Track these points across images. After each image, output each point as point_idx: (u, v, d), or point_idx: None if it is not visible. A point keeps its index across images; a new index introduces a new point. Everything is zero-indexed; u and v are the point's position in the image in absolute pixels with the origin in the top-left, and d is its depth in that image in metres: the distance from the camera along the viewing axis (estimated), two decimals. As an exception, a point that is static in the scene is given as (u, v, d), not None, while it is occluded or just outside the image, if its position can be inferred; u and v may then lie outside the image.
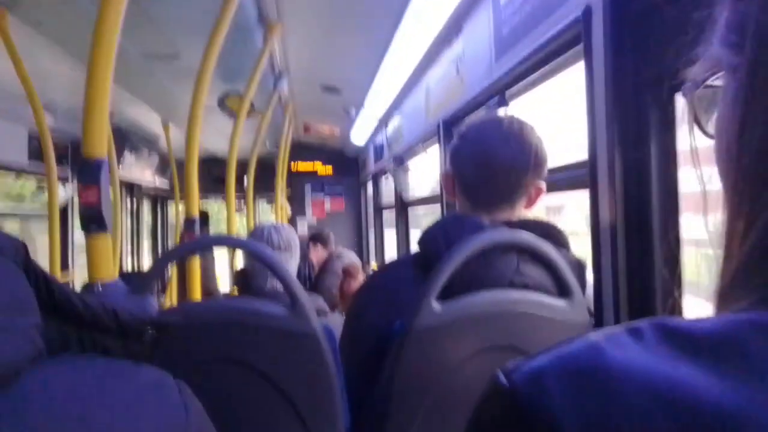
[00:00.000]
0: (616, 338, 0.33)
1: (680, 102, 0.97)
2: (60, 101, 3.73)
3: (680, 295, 0.96)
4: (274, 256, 1.08)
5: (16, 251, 0.31)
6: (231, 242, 1.24)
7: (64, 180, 4.22)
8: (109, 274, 1.10)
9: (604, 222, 1.11)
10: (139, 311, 0.38)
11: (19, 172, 3.96)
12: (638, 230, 1.04)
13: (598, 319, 1.13)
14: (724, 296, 0.35)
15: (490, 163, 1.09)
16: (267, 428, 1.08)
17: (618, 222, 1.06)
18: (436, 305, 0.99)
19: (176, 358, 0.35)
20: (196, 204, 2.01)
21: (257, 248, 1.05)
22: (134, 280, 1.04)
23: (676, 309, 1.01)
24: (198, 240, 1.03)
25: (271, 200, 7.02)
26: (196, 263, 1.99)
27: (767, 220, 0.31)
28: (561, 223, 1.25)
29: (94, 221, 1.07)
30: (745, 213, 0.33)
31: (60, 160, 3.74)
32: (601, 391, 0.30)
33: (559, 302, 1.04)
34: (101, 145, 1.10)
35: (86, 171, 1.08)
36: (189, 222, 1.96)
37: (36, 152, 3.97)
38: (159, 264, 1.00)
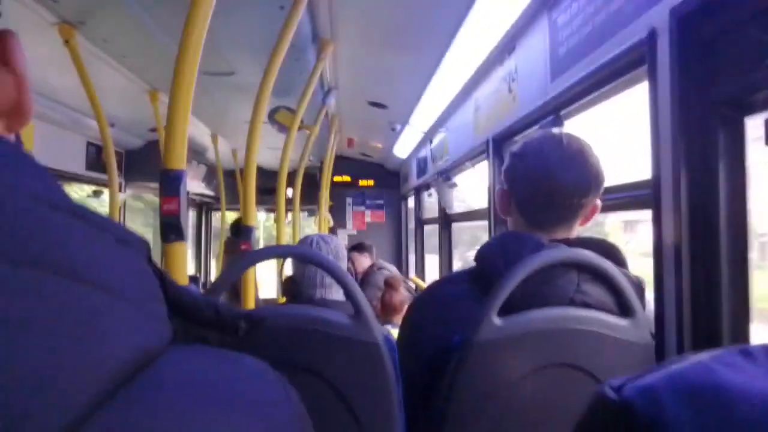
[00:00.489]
0: (727, 359, 0.35)
1: (750, 124, 0.97)
2: (116, 113, 3.90)
3: (748, 320, 0.95)
4: (339, 266, 1.11)
5: (145, 248, 0.34)
6: (299, 253, 1.28)
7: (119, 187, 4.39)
8: (184, 280, 1.17)
9: (667, 242, 1.11)
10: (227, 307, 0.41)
11: (78, 180, 4.13)
12: (704, 252, 1.04)
13: (659, 341, 1.12)
14: None
15: (551, 184, 1.09)
16: (326, 435, 1.11)
17: (683, 243, 1.06)
18: (497, 320, 1.01)
19: (257, 356, 0.38)
20: (254, 213, 2.08)
21: (325, 260, 1.09)
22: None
23: (742, 334, 1.00)
24: (266, 249, 1.07)
25: (312, 212, 7.11)
26: (251, 273, 2.05)
27: None
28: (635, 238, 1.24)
29: (173, 230, 1.14)
30: None
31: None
32: (717, 408, 0.31)
33: (620, 321, 1.04)
34: (181, 158, 1.17)
35: (167, 182, 1.14)
36: (247, 230, 2.03)
37: (92, 161, 4.16)
38: (234, 269, 1.05)
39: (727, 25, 0.98)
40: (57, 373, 0.23)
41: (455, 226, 4.12)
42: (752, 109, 0.94)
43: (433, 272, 5.17)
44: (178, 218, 1.14)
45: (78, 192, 4.52)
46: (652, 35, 1.14)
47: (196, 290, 1.14)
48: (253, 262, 1.15)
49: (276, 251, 1.13)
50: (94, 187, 4.40)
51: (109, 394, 0.25)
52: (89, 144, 4.13)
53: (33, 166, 0.31)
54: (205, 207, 7.37)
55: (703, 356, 0.35)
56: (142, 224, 6.60)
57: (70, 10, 2.41)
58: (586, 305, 1.05)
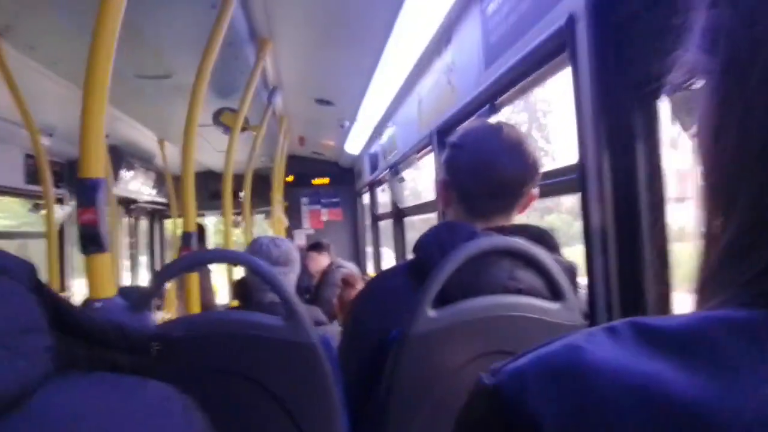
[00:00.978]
0: (593, 337, 0.35)
1: (664, 105, 0.99)
2: (55, 123, 3.75)
3: (670, 295, 0.98)
4: (271, 269, 1.09)
5: (27, 273, 0.32)
6: (229, 257, 1.25)
7: (60, 200, 4.23)
8: (110, 292, 1.12)
9: (594, 225, 1.13)
10: (140, 327, 0.38)
11: (16, 194, 3.97)
12: (628, 232, 1.06)
13: (592, 322, 1.14)
14: (701, 293, 0.37)
15: (492, 174, 1.09)
16: (267, 439, 1.09)
17: (608, 224, 1.08)
18: (431, 312, 1.01)
19: (178, 370, 0.36)
20: (194, 219, 2.03)
21: (254, 262, 1.06)
22: (132, 295, 1.05)
23: (667, 309, 1.03)
24: (195, 255, 1.04)
25: (269, 214, 7.04)
26: (194, 278, 2.00)
27: (740, 221, 0.33)
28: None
29: (93, 242, 1.09)
30: (721, 213, 0.34)
31: (56, 181, 3.75)
32: (577, 389, 0.32)
33: (552, 305, 1.05)
34: (98, 165, 1.12)
35: (84, 192, 1.09)
36: (187, 236, 1.98)
37: (32, 173, 3.99)
38: (157, 279, 1.01)
39: (639, 9, 1.00)
40: None
41: (416, 219, 4.14)
42: (663, 91, 0.95)
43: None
44: (97, 228, 1.09)
45: (20, 207, 4.35)
46: (571, 21, 1.16)
47: (119, 303, 1.10)
48: (185, 268, 1.11)
49: (208, 256, 1.10)
50: (35, 201, 4.23)
51: None
52: (28, 156, 3.97)
53: None
54: (157, 215, 7.20)
55: (574, 335, 0.36)
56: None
57: (-9, 16, 2.31)
58: (519, 291, 1.06)
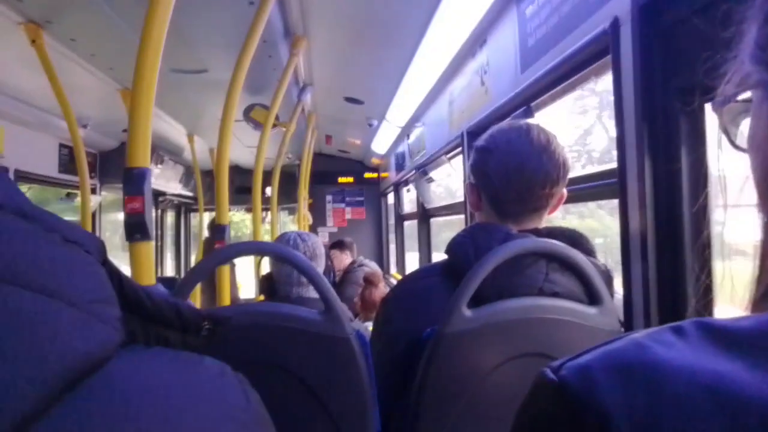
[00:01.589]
0: (659, 336, 0.35)
1: (709, 112, 0.98)
2: (90, 114, 3.83)
3: (712, 304, 0.97)
4: (310, 263, 1.11)
5: (97, 246, 0.33)
6: (269, 249, 1.27)
7: (93, 190, 4.32)
8: (151, 279, 1.15)
9: (634, 230, 1.12)
10: (191, 307, 0.40)
11: (50, 183, 4.06)
12: (669, 239, 1.05)
13: (627, 327, 1.14)
14: (757, 305, 0.37)
15: (522, 176, 1.09)
16: (300, 430, 1.10)
17: (648, 231, 1.07)
18: (467, 311, 1.01)
19: (224, 356, 0.37)
20: (227, 212, 2.06)
21: (293, 256, 1.08)
22: (166, 285, 1.08)
23: (708, 317, 1.02)
24: (236, 246, 1.05)
25: (293, 210, 7.09)
26: (225, 271, 2.04)
27: None
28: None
29: (138, 229, 1.12)
30: None
31: (89, 171, 3.83)
32: (648, 385, 0.32)
33: (589, 309, 1.05)
34: (145, 156, 1.15)
35: (131, 180, 1.12)
36: (220, 229, 2.01)
37: (65, 163, 4.09)
38: (200, 268, 1.03)
39: (686, 13, 0.99)
40: None
41: (438, 219, 4.14)
42: (710, 97, 0.94)
43: (414, 268, 5.18)
44: (143, 217, 1.12)
45: (53, 195, 4.45)
46: (615, 24, 1.15)
47: (163, 291, 1.13)
48: (224, 259, 1.13)
49: (247, 248, 1.12)
50: (68, 190, 4.33)
51: (53, 402, 0.25)
52: (62, 145, 4.06)
53: None
54: (184, 207, 7.30)
55: (638, 334, 0.36)
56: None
57: (36, 9, 2.36)
58: (555, 294, 1.06)
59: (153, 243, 1.17)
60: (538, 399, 0.39)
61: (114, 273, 0.34)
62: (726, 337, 0.33)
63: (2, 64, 2.81)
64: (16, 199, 0.29)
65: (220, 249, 1.16)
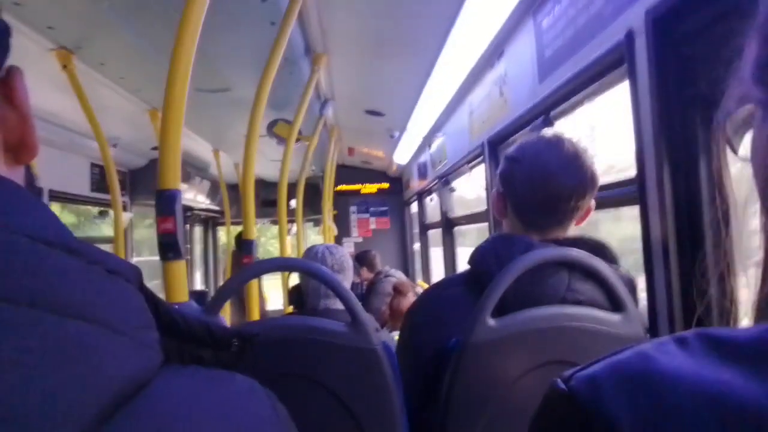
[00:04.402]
0: (663, 347, 0.37)
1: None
2: (118, 134, 3.94)
3: (736, 310, 0.97)
4: (336, 278, 1.14)
5: (136, 275, 0.36)
6: (296, 265, 1.31)
7: (123, 207, 4.43)
8: (184, 297, 1.19)
9: (655, 238, 1.13)
10: (221, 325, 0.42)
11: (83, 201, 4.18)
12: (690, 245, 1.06)
13: (653, 335, 1.14)
14: (761, 311, 0.38)
15: (550, 188, 1.10)
16: (330, 441, 1.13)
17: (670, 237, 1.08)
18: (491, 321, 1.03)
19: (253, 369, 0.40)
20: (253, 226, 2.11)
21: (319, 270, 1.11)
22: (200, 299, 1.11)
23: (733, 324, 1.02)
24: (265, 263, 1.09)
25: (317, 222, 7.15)
26: (254, 285, 2.08)
27: None
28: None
29: (171, 249, 1.17)
30: None
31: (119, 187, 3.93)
32: (651, 394, 0.34)
33: (613, 317, 1.05)
34: (175, 178, 1.20)
35: (163, 202, 1.17)
36: (247, 244, 2.06)
37: (96, 182, 4.21)
38: (229, 286, 1.07)
39: (701, 24, 1.00)
40: (50, 409, 0.25)
41: (460, 228, 4.14)
42: (715, 115, 0.95)
43: (439, 276, 5.18)
44: (175, 236, 1.17)
45: (84, 213, 4.58)
46: (630, 36, 1.17)
47: (195, 307, 1.17)
48: (253, 276, 1.17)
49: (276, 264, 1.16)
50: (99, 208, 4.45)
51: (101, 424, 0.27)
52: (93, 165, 4.18)
53: (29, 204, 0.33)
54: (210, 222, 7.42)
55: (644, 345, 0.38)
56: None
57: (67, 35, 2.46)
58: (578, 303, 1.06)
59: (185, 261, 1.22)
60: (550, 408, 0.41)
61: (150, 298, 0.36)
62: (728, 347, 0.34)
63: (35, 89, 2.87)
64: (62, 235, 0.32)
65: (249, 266, 1.20)
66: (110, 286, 0.33)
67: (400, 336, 1.26)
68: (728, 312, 0.93)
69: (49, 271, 0.30)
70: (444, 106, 3.28)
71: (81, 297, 0.30)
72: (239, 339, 0.43)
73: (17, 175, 0.40)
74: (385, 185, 6.84)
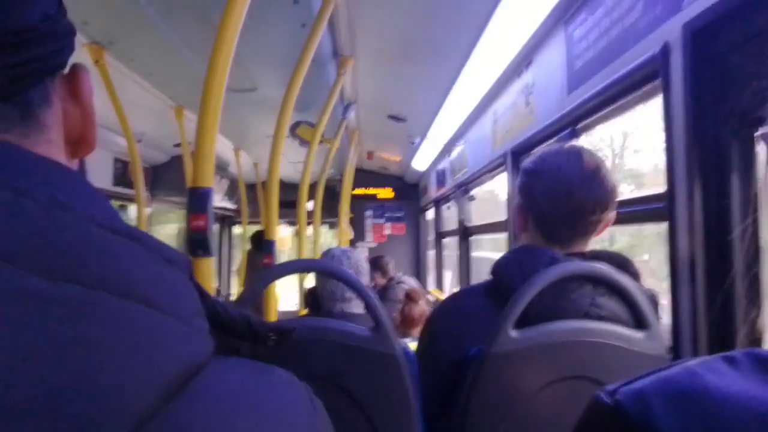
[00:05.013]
0: (712, 365, 0.37)
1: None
2: (143, 130, 3.99)
3: (763, 332, 0.95)
4: (360, 281, 1.14)
5: (187, 265, 0.37)
6: (320, 267, 1.31)
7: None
8: (210, 293, 1.19)
9: (682, 255, 1.11)
10: (259, 320, 0.43)
11: (106, 196, 4.22)
12: (719, 264, 1.04)
13: (675, 355, 1.13)
14: None
15: (571, 202, 1.09)
16: (346, 445, 1.13)
17: (697, 256, 1.07)
18: (513, 332, 1.02)
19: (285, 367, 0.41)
20: (275, 227, 2.13)
21: (346, 274, 1.12)
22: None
23: (757, 345, 1.00)
24: (289, 264, 1.09)
25: (333, 225, 7.16)
26: (274, 286, 2.09)
27: None
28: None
29: (201, 246, 1.18)
30: None
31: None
32: (701, 411, 0.34)
33: (636, 334, 1.04)
34: (209, 176, 1.21)
35: (196, 199, 1.19)
36: (269, 244, 2.07)
37: (119, 176, 4.26)
38: (262, 281, 1.08)
39: (739, 40, 0.99)
40: (120, 386, 0.27)
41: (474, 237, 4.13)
42: (762, 123, 0.95)
43: (451, 283, 5.17)
44: (206, 234, 1.18)
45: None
46: (666, 50, 1.16)
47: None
48: (280, 275, 1.17)
49: (301, 265, 1.16)
50: (120, 202, 4.51)
51: (165, 403, 0.29)
52: (116, 160, 4.24)
53: (94, 193, 0.35)
54: (227, 221, 7.47)
55: (691, 362, 0.38)
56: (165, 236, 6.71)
57: (100, 31, 2.50)
58: (601, 318, 1.05)
59: (213, 259, 1.23)
60: (593, 422, 0.41)
61: (196, 288, 0.37)
62: None
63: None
64: (124, 224, 0.33)
65: (276, 266, 1.21)
66: (168, 274, 0.34)
67: (419, 343, 1.26)
68: (756, 335, 0.92)
69: (116, 256, 0.31)
70: (467, 113, 3.28)
71: (145, 283, 0.31)
72: (277, 333, 0.43)
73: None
74: (402, 191, 6.85)
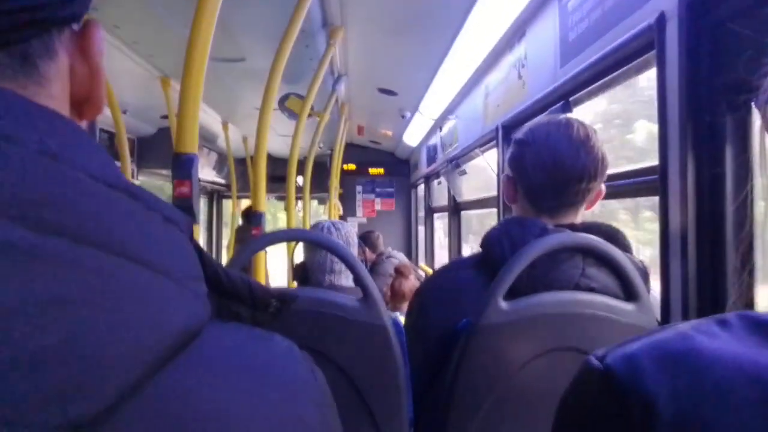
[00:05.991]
0: (705, 327, 0.37)
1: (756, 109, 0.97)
2: (129, 100, 3.92)
3: (753, 304, 0.96)
4: (349, 252, 1.13)
5: (188, 226, 0.36)
6: (310, 237, 1.30)
7: (132, 175, 4.44)
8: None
9: (674, 228, 1.11)
10: (261, 285, 0.43)
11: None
12: (710, 237, 1.04)
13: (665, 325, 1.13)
14: None
15: (560, 171, 1.09)
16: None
17: (689, 229, 1.06)
18: (503, 303, 1.02)
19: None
20: (263, 200, 2.11)
21: (333, 242, 1.11)
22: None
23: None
24: (277, 233, 1.08)
25: (322, 200, 7.15)
26: (262, 257, 2.08)
27: None
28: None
29: (185, 213, 1.15)
30: None
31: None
32: (692, 373, 0.33)
33: (626, 306, 1.04)
34: (192, 142, 1.19)
35: (180, 165, 1.16)
36: (257, 216, 2.06)
37: (105, 148, 4.19)
38: (242, 255, 1.07)
39: (736, 10, 0.98)
40: (112, 347, 0.25)
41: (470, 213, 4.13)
42: (758, 91, 0.93)
43: (442, 260, 5.18)
44: (191, 201, 1.16)
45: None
46: (661, 20, 1.14)
47: None
48: (267, 244, 1.16)
49: (288, 235, 1.15)
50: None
51: (158, 367, 0.28)
52: (101, 131, 4.17)
53: (92, 145, 0.32)
54: (216, 194, 7.43)
55: (683, 325, 0.37)
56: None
57: (82, -4, 2.43)
58: (591, 290, 1.05)
59: (199, 227, 1.21)
60: (583, 386, 0.40)
61: (197, 250, 0.36)
62: None
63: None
64: (123, 179, 0.32)
65: (262, 235, 1.20)
66: (167, 234, 0.33)
67: (408, 316, 1.26)
68: (748, 303, 0.92)
69: (110, 212, 0.29)
70: (459, 87, 3.25)
71: (140, 241, 0.30)
72: (278, 300, 0.42)
73: None
74: (393, 167, 6.83)
